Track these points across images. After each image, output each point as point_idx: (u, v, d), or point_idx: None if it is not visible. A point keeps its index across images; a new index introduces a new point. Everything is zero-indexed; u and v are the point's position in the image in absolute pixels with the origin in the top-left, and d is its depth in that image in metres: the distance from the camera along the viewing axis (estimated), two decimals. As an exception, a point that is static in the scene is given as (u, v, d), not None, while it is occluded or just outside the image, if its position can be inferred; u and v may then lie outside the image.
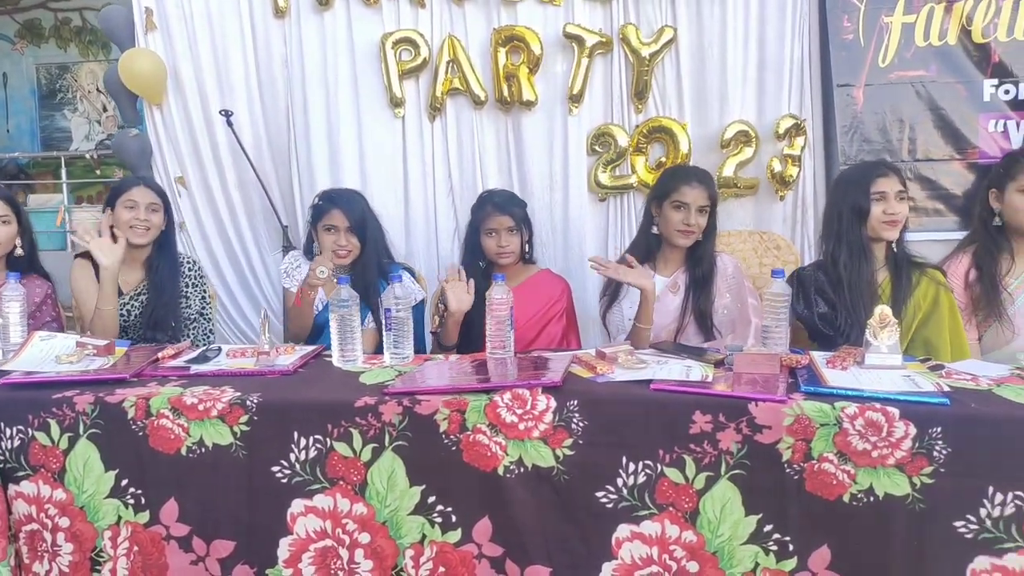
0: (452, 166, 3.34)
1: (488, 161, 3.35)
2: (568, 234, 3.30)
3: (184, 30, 3.36)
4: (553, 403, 1.50)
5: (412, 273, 2.45)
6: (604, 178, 3.26)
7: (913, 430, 1.35)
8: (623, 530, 1.48)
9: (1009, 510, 1.34)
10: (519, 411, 1.50)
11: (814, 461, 1.40)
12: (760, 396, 1.43)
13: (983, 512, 1.35)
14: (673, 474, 1.46)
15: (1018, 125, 3.09)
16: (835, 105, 3.18)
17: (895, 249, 1.99)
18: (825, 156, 3.23)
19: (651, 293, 2.07)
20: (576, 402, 1.50)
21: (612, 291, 2.27)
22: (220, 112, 3.22)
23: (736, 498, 1.44)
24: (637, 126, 3.25)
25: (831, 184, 2.94)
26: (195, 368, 1.74)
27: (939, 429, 1.34)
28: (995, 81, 3.09)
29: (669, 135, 3.18)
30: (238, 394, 1.57)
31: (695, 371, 1.60)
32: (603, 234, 3.35)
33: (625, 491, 1.48)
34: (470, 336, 2.14)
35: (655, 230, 2.26)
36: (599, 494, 1.49)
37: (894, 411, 1.36)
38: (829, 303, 1.94)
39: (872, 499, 1.38)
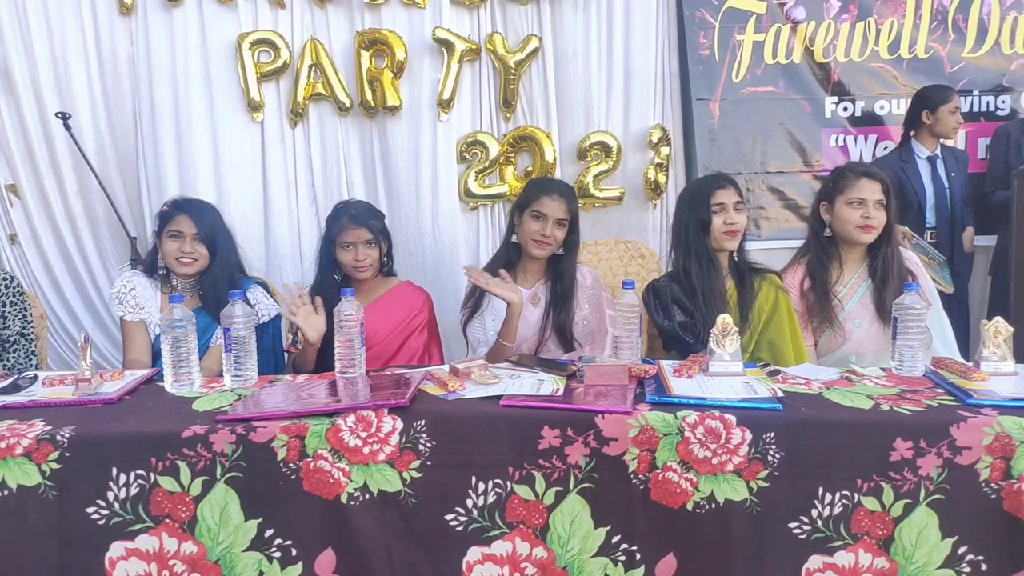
0: (316, 174, 3.22)
1: (354, 169, 3.25)
2: (438, 244, 3.25)
3: (16, 24, 3.07)
4: (400, 424, 1.44)
5: (266, 288, 2.33)
6: (474, 187, 3.24)
7: (749, 436, 1.39)
8: (474, 553, 1.45)
9: (837, 510, 1.40)
10: (363, 434, 1.43)
11: (659, 471, 1.41)
12: (605, 408, 1.43)
13: (814, 513, 1.40)
14: (523, 491, 1.44)
15: (856, 140, 3.31)
16: (694, 118, 3.29)
17: (736, 258, 2.07)
18: (685, 167, 3.34)
19: (518, 308, 2.05)
20: (423, 422, 1.45)
21: (475, 301, 2.23)
22: (56, 115, 2.96)
23: (585, 511, 1.44)
24: (505, 135, 3.25)
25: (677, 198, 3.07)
26: (1, 400, 1.56)
27: (772, 434, 1.39)
28: (835, 98, 3.30)
29: (535, 144, 3.19)
30: (48, 428, 1.41)
31: (546, 384, 1.59)
32: (474, 244, 3.32)
33: (475, 512, 1.44)
34: (327, 356, 2.05)
35: (515, 239, 2.25)
36: (448, 517, 1.45)
37: (731, 418, 1.40)
38: (687, 312, 1.99)
39: (714, 506, 1.41)
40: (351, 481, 1.43)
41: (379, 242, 2.23)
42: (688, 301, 1.99)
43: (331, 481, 1.42)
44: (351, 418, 1.44)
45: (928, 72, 3.25)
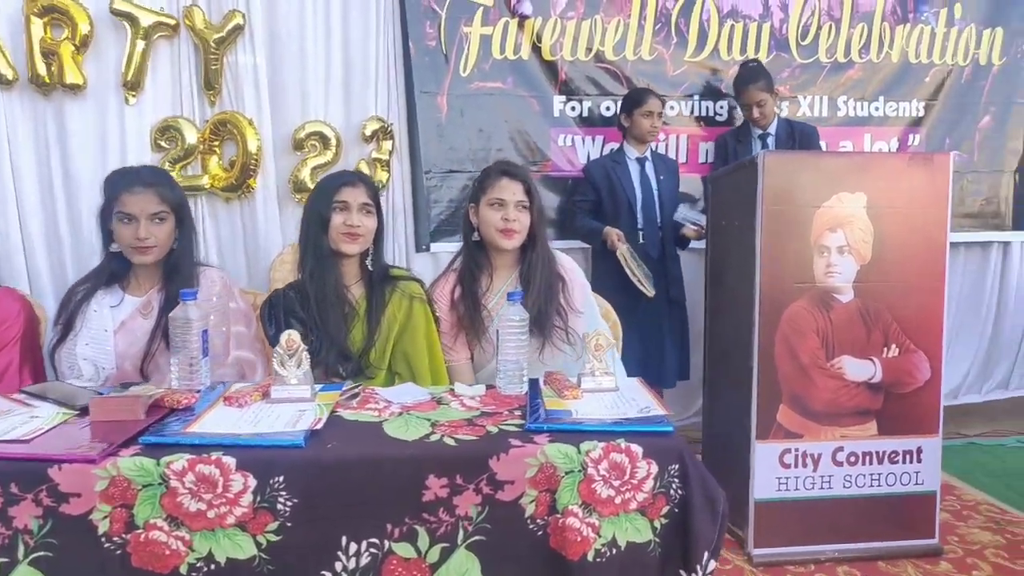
0: (-38, 157, 2.75)
1: (22, 154, 2.81)
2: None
3: None
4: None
5: None
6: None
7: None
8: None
9: (365, 560, 1.20)
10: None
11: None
12: (62, 456, 1.15)
13: (338, 566, 1.21)
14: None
15: (584, 140, 3.26)
16: (417, 111, 3.12)
17: (370, 265, 1.89)
18: (411, 163, 3.16)
19: None
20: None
21: (66, 320, 1.87)
22: None
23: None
24: (207, 121, 2.92)
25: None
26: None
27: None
28: (564, 97, 3.24)
29: (238, 132, 2.89)
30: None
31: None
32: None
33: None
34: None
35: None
36: (313, 584, 1.17)
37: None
38: (302, 322, 1.77)
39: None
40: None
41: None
42: (302, 310, 1.79)
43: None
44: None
45: (652, 75, 3.25)
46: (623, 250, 2.80)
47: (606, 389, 1.47)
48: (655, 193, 2.98)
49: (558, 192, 3.26)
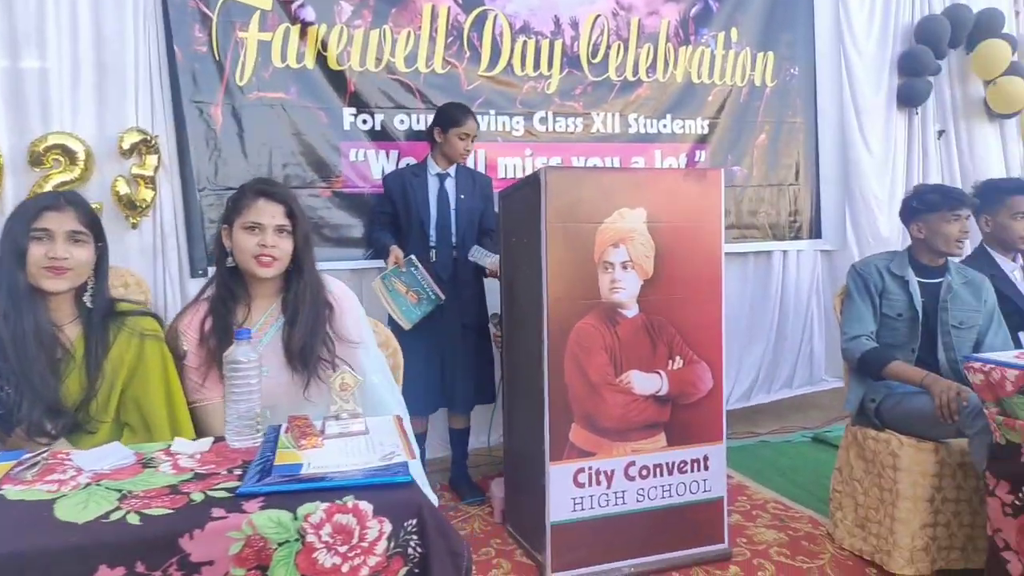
0: None
1: None
2: None
3: None
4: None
5: None
6: None
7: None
8: None
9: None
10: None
11: None
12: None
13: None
14: None
15: (377, 155, 3.10)
16: (187, 122, 2.82)
17: (88, 303, 1.61)
18: (182, 180, 2.85)
19: None
20: None
21: None
22: None
23: None
24: (-79, 132, 2.46)
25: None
26: None
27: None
28: (354, 110, 3.06)
29: (-44, 146, 2.46)
30: None
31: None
32: None
33: None
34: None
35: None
36: None
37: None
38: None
39: None
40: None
41: None
42: (-1, 355, 1.48)
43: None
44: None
45: (446, 88, 3.16)
46: (377, 283, 2.69)
47: (354, 433, 1.31)
48: (452, 211, 2.86)
49: (352, 210, 3.07)
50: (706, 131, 3.64)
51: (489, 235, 2.89)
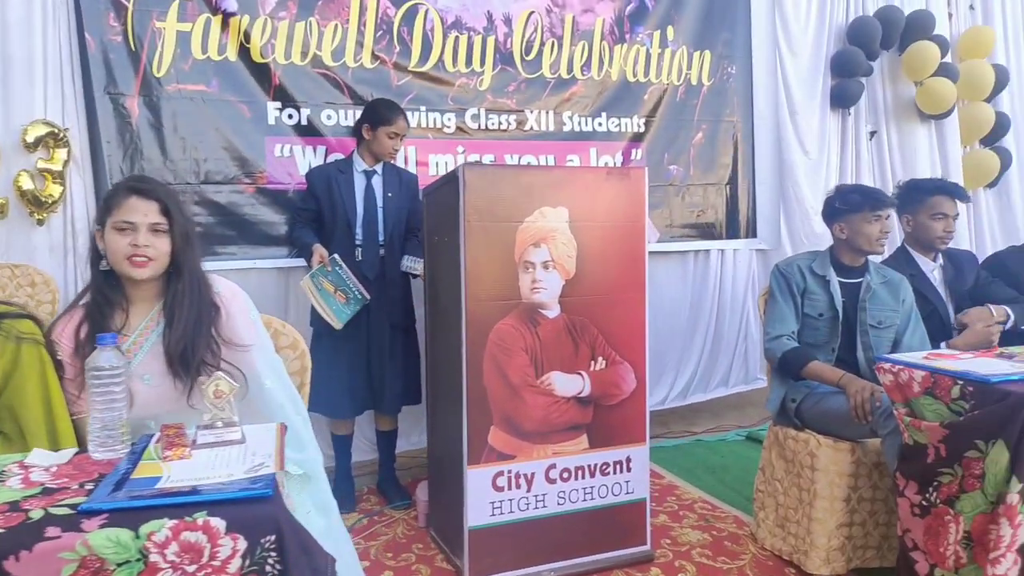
0: None
1: None
2: None
3: None
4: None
5: None
6: None
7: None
8: None
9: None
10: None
11: None
12: None
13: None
14: None
15: (304, 151, 3.02)
16: (100, 115, 2.70)
17: (-38, 302, 1.53)
18: (94, 175, 2.73)
19: None
20: None
21: None
22: None
23: None
24: None
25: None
26: None
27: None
28: (279, 104, 2.98)
29: None
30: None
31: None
32: None
33: None
34: None
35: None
36: None
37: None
38: None
39: None
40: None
41: None
42: None
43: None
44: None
45: (375, 84, 3.09)
46: (306, 281, 2.63)
47: (228, 443, 1.24)
48: (379, 210, 2.79)
49: (277, 207, 2.99)
50: (642, 129, 3.64)
51: (416, 234, 2.83)
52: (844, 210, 2.49)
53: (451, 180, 2.24)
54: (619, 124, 3.58)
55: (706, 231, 3.83)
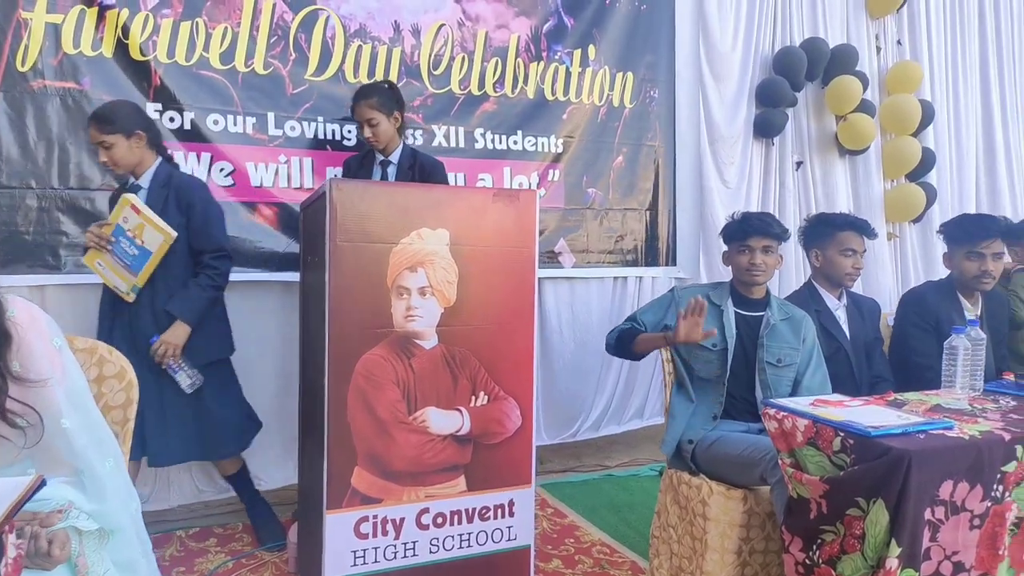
0: None
1: None
2: None
3: None
4: None
5: None
6: None
7: None
8: None
9: None
10: None
11: None
12: None
13: None
14: None
15: (187, 157, 2.80)
16: (-51, 111, 2.46)
17: None
18: (-60, 176, 2.48)
19: None
20: None
21: None
22: None
23: None
24: None
25: None
26: None
27: None
28: (159, 106, 2.75)
29: None
30: None
31: None
32: None
33: None
34: None
35: None
36: None
37: None
38: None
39: None
40: None
41: None
42: None
43: None
44: None
45: (267, 90, 2.90)
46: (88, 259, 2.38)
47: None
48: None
49: (155, 217, 2.75)
50: (560, 150, 3.50)
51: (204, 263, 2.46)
52: (729, 238, 2.48)
53: (321, 196, 2.05)
54: (536, 143, 3.44)
55: (625, 257, 3.71)
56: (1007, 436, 1.65)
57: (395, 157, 2.78)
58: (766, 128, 3.97)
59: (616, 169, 3.67)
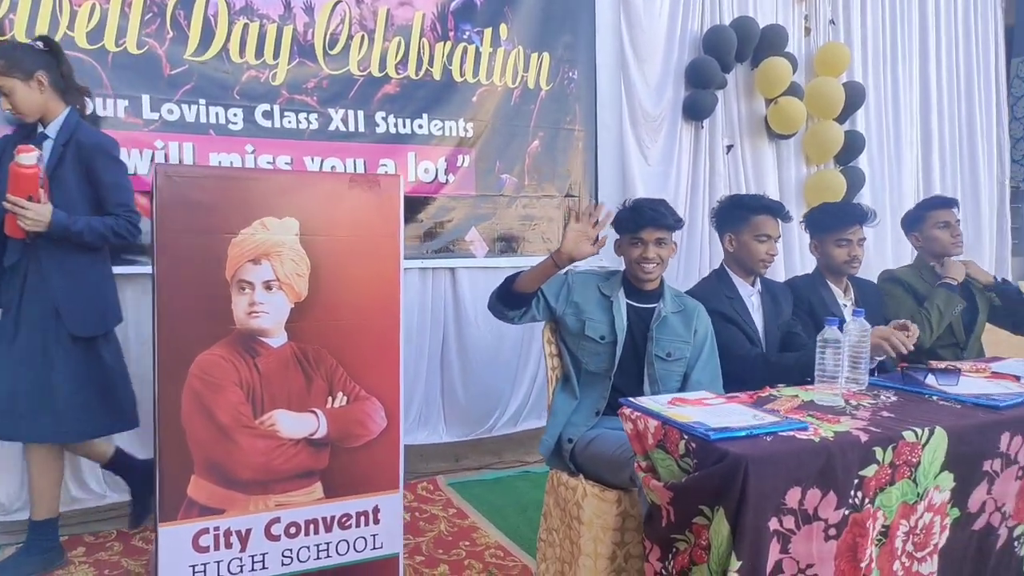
0: None
1: None
2: None
3: None
4: None
5: None
6: None
7: None
8: None
9: None
10: None
11: None
12: None
13: None
14: None
15: (51, 145, 2.61)
16: None
17: None
18: None
19: None
20: None
21: None
22: None
23: None
24: None
25: None
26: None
27: None
28: (18, 89, 2.56)
29: None
30: None
31: None
32: None
33: None
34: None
35: None
36: None
37: None
38: None
39: None
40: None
41: None
42: None
43: None
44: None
45: (142, 71, 2.72)
46: None
47: None
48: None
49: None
50: (469, 134, 3.35)
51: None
52: (620, 230, 2.29)
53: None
54: (442, 127, 3.28)
55: (544, 245, 3.56)
56: (864, 437, 1.53)
57: (52, 130, 2.30)
58: (695, 110, 3.83)
59: (532, 154, 3.51)
